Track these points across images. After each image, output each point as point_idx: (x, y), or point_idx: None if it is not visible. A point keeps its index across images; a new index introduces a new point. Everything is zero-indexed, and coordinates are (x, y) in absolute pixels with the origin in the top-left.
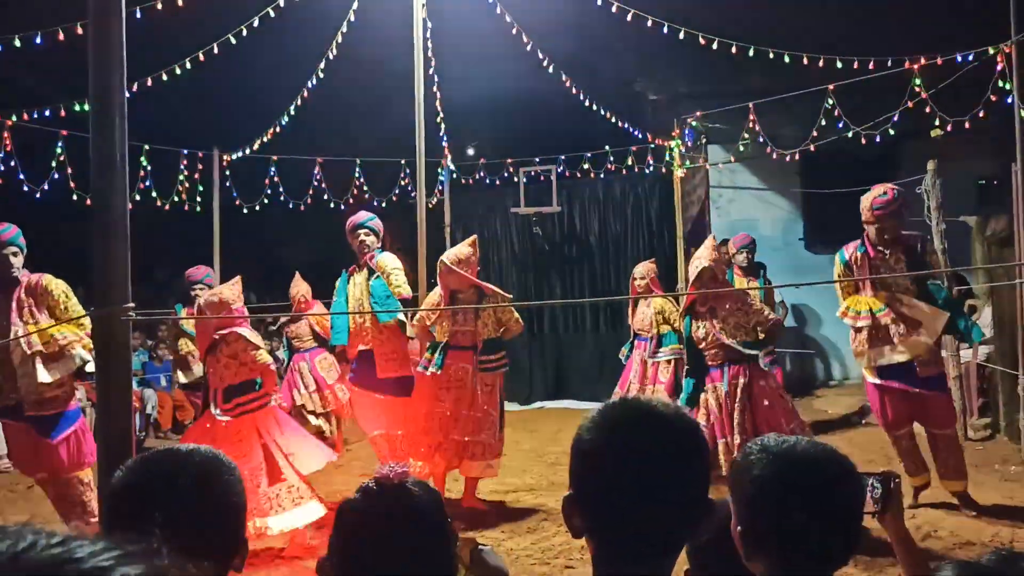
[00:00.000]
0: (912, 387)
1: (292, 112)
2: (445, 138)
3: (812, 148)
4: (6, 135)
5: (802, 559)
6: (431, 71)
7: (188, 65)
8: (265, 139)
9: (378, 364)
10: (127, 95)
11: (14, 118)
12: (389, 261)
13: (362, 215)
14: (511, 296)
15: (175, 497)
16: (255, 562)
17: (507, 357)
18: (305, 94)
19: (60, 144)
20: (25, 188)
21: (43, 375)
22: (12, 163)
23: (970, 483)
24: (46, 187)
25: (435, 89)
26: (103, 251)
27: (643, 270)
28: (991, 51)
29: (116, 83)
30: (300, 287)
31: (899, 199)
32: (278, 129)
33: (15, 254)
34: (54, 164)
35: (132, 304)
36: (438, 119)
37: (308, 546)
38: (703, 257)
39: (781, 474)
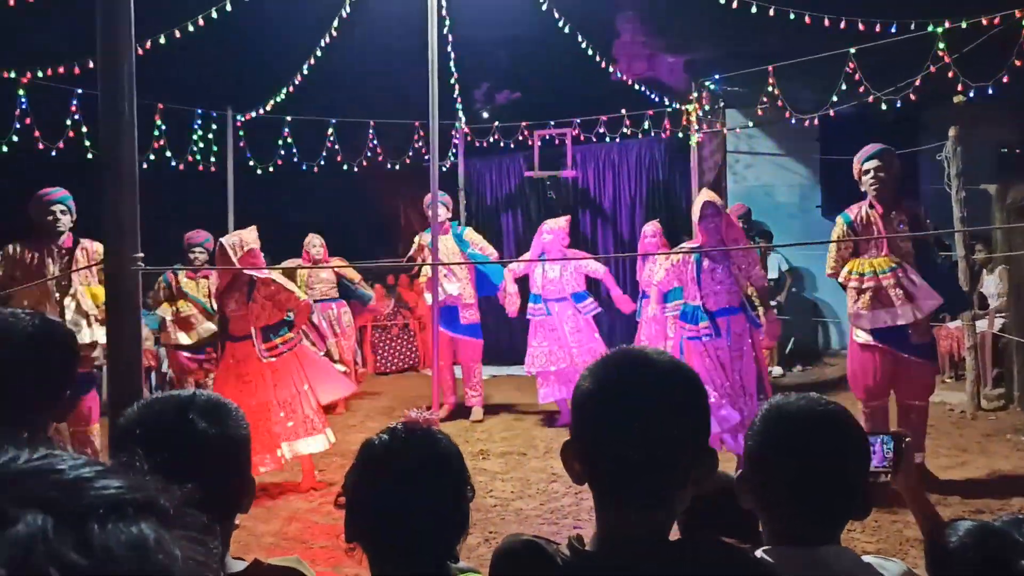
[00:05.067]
0: (903, 352)
1: (305, 72)
2: (459, 100)
3: (831, 113)
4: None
5: (797, 514)
6: (445, 31)
7: (201, 23)
8: (279, 99)
9: (462, 315)
10: (139, 52)
11: (29, 75)
12: (477, 236)
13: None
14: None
15: (181, 434)
16: (277, 510)
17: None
18: (319, 53)
19: (75, 102)
20: (40, 147)
21: (88, 335)
22: (28, 121)
23: (981, 452)
24: (61, 146)
25: (449, 49)
26: (112, 202)
27: (652, 228)
28: (1017, 14)
29: (123, 31)
30: (314, 239)
31: (886, 152)
32: (291, 89)
33: (64, 212)
34: (69, 123)
35: (141, 254)
36: (452, 81)
37: (318, 485)
38: (701, 198)
39: (776, 428)
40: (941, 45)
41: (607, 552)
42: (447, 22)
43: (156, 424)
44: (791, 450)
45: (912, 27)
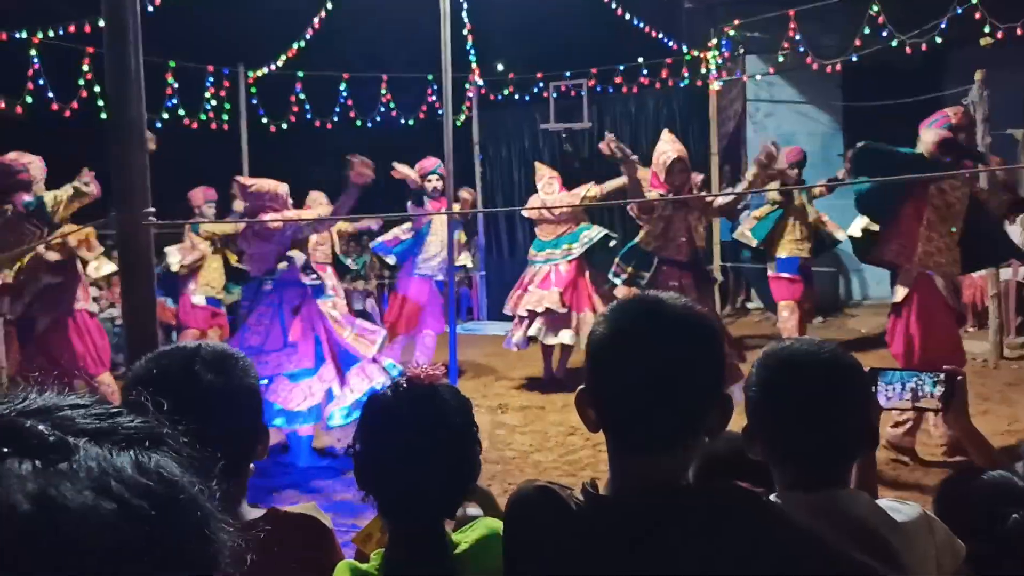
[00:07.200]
0: None
1: (317, 26)
2: (473, 53)
3: (854, 58)
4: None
5: (804, 458)
6: None
7: None
8: (290, 55)
9: None
10: (150, 8)
11: (40, 36)
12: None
13: (433, 161)
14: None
15: (187, 385)
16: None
17: None
18: (329, 6)
19: (87, 61)
20: (54, 107)
21: None
22: (41, 82)
23: (1003, 401)
24: (75, 106)
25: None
26: (121, 157)
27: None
28: None
29: None
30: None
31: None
32: (303, 44)
33: None
34: (82, 82)
35: (152, 209)
36: (465, 32)
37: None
38: (668, 151)
39: (774, 374)
40: None
41: (621, 496)
42: None
43: (162, 376)
44: (791, 394)
45: None
